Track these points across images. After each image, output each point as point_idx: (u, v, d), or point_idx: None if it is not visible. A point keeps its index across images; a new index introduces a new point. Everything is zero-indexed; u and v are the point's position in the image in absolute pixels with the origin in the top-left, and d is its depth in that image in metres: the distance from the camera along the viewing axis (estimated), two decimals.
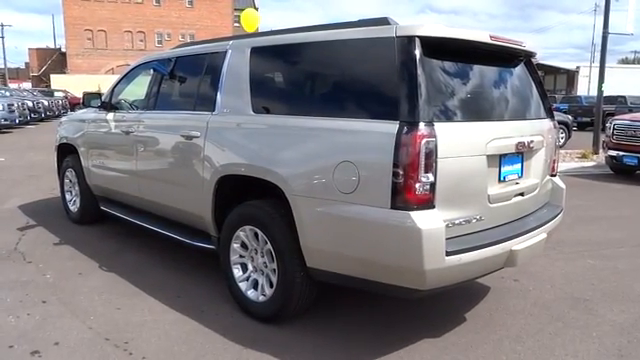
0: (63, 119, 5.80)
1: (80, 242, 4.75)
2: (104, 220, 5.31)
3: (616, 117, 9.57)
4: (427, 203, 2.39)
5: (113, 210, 4.71)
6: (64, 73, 48.79)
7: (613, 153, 9.01)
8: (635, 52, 64.72)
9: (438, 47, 2.53)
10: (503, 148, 2.76)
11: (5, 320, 3.16)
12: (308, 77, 2.97)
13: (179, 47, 4.23)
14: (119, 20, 51.18)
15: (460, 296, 3.57)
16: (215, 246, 3.52)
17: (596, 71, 13.26)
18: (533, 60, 3.36)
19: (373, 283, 2.60)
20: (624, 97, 22.25)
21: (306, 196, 2.72)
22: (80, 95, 33.14)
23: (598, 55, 13.04)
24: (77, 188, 5.36)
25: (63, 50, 53.51)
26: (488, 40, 2.71)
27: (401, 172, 2.35)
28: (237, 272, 3.30)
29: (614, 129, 9.00)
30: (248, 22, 9.97)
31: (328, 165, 2.61)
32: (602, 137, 10.44)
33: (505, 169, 2.85)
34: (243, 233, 3.20)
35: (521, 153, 2.96)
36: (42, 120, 22.57)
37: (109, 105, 4.74)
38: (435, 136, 2.37)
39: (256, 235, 3.14)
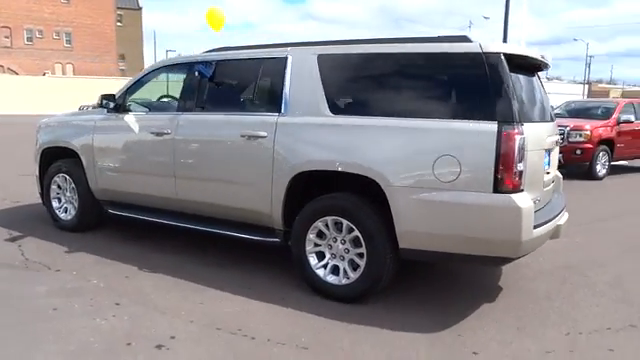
0: (46, 122, 5.44)
1: (91, 248, 4.58)
2: (101, 226, 5.16)
3: None
4: (519, 187, 2.98)
5: (132, 214, 4.64)
6: None
7: None
8: None
9: (511, 61, 3.14)
10: (551, 144, 3.46)
11: (94, 323, 3.12)
12: (396, 83, 3.38)
13: (213, 51, 4.35)
14: None
15: (485, 271, 4.24)
16: (280, 239, 3.78)
17: None
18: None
19: (467, 256, 3.12)
20: None
21: (404, 186, 3.15)
22: None
23: None
24: (69, 194, 5.12)
25: None
26: (538, 57, 3.40)
27: (502, 162, 2.91)
28: (313, 260, 3.59)
29: None
30: (213, 21, 9.84)
31: (428, 159, 3.08)
32: None
33: (545, 160, 3.56)
34: (322, 223, 3.52)
35: (550, 148, 3.69)
36: None
37: (122, 107, 4.65)
38: (524, 133, 2.97)
39: (336, 224, 3.47)
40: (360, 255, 3.41)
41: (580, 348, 2.98)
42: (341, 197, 3.46)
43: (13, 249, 4.57)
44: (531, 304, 3.63)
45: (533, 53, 3.31)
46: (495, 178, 2.93)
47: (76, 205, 5.06)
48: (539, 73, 3.97)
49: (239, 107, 4.03)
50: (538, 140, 3.26)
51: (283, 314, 3.32)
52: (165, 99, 5.15)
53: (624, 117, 10.54)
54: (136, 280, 3.86)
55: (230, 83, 4.15)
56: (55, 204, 5.25)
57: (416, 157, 3.14)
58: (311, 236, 3.58)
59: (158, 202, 4.45)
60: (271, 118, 3.71)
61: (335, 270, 3.54)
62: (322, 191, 3.63)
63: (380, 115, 3.32)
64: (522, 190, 3.00)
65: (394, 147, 3.22)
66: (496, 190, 2.94)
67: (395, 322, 3.23)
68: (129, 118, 4.55)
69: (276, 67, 3.80)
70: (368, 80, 3.49)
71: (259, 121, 3.77)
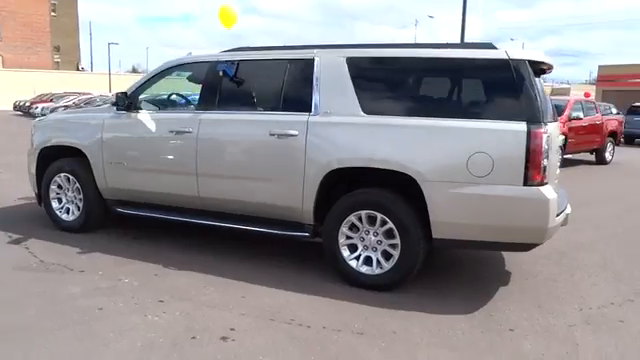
0: (42, 121, 5.27)
1: (102, 248, 4.54)
2: (103, 226, 5.09)
3: None
4: (544, 181, 3.32)
5: (142, 212, 4.64)
6: None
7: None
8: None
9: (532, 66, 3.48)
10: (560, 141, 3.85)
11: (148, 319, 3.17)
12: (427, 85, 3.65)
13: (232, 51, 4.41)
14: None
15: (492, 260, 4.62)
16: (309, 233, 3.95)
17: None
18: None
19: (496, 243, 3.45)
20: None
21: (439, 181, 3.42)
22: None
23: None
24: (72, 194, 5.02)
25: None
26: (550, 61, 3.77)
27: (531, 158, 3.25)
28: (345, 252, 3.79)
29: None
30: (226, 18, 9.64)
31: (462, 155, 3.36)
32: None
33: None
34: (355, 217, 3.72)
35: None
36: None
37: (134, 105, 4.63)
38: (548, 132, 3.32)
39: (369, 217, 3.69)
40: (393, 246, 3.64)
41: (595, 321, 3.38)
42: (376, 192, 3.68)
43: (21, 251, 4.45)
44: (540, 285, 4.02)
45: (549, 59, 3.68)
46: (525, 172, 3.26)
47: (80, 205, 4.97)
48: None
49: (265, 106, 4.15)
50: (554, 138, 3.63)
51: (326, 304, 3.50)
52: (173, 97, 5.14)
53: (574, 114, 11.43)
54: (168, 278, 3.90)
55: (254, 83, 4.25)
56: (55, 205, 5.12)
57: (451, 154, 3.42)
58: (344, 229, 3.77)
59: (177, 200, 4.47)
60: (302, 117, 3.86)
61: (368, 261, 3.76)
62: (349, 187, 3.84)
63: (413, 115, 3.57)
64: (547, 183, 3.35)
65: (430, 145, 3.47)
66: (525, 183, 3.27)
67: (431, 306, 3.50)
68: (143, 116, 4.53)
69: (303, 68, 3.95)
70: (401, 82, 3.73)
71: (289, 120, 3.90)
